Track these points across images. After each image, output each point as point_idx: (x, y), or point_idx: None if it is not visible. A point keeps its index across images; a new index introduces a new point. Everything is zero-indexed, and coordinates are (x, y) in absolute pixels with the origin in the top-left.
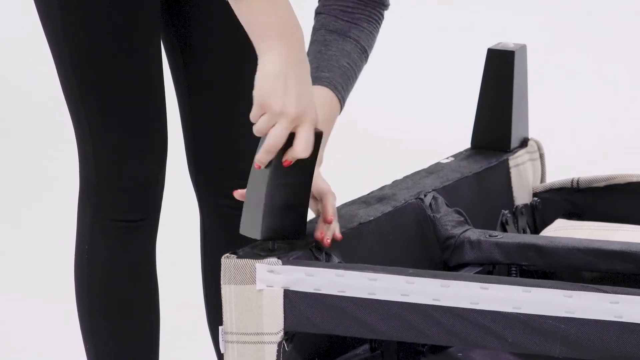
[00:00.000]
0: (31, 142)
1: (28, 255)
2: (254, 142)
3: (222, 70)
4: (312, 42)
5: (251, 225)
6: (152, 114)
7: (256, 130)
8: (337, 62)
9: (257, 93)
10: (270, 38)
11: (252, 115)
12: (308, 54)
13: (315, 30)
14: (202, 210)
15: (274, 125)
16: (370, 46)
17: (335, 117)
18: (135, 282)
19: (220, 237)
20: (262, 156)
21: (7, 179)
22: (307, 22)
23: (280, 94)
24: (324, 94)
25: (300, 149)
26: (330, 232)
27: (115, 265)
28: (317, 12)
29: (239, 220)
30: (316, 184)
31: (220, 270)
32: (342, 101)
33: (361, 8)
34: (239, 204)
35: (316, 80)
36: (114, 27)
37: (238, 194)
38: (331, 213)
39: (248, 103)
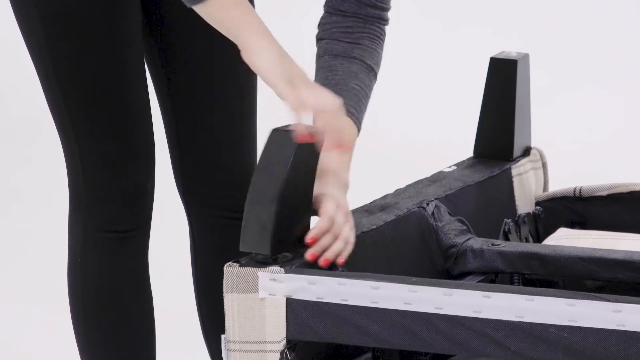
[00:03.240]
0: (37, 147)
1: (34, 262)
2: (239, 152)
3: (203, 78)
4: (318, 69)
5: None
6: (138, 123)
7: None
8: (346, 85)
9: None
10: (255, 37)
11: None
12: (315, 81)
13: (319, 57)
14: (190, 221)
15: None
16: (377, 64)
17: (354, 139)
18: (129, 293)
19: (210, 247)
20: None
21: (13, 185)
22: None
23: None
24: None
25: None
26: (332, 253)
27: (108, 276)
28: (318, 39)
29: (227, 230)
30: (318, 204)
31: (210, 279)
32: (357, 123)
33: (361, 26)
34: (227, 214)
35: None
36: (96, 37)
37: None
38: (310, 233)
39: (230, 111)
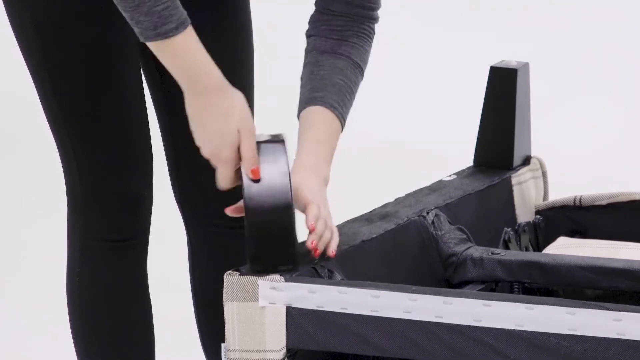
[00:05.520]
0: (37, 156)
1: (32, 271)
2: None
3: None
4: (305, 64)
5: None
6: (134, 131)
7: None
8: (330, 80)
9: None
10: (181, 83)
11: None
12: (302, 76)
13: (307, 52)
14: (188, 230)
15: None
16: (364, 61)
17: (337, 133)
18: (128, 302)
19: (207, 255)
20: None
21: (12, 194)
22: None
23: (197, 135)
24: (320, 113)
25: (219, 183)
26: (322, 243)
27: (106, 286)
28: (308, 35)
29: (226, 239)
30: (300, 196)
31: (208, 287)
32: (340, 117)
33: (350, 25)
34: (225, 223)
35: (311, 100)
36: (91, 47)
37: (230, 210)
38: (309, 220)
39: None
